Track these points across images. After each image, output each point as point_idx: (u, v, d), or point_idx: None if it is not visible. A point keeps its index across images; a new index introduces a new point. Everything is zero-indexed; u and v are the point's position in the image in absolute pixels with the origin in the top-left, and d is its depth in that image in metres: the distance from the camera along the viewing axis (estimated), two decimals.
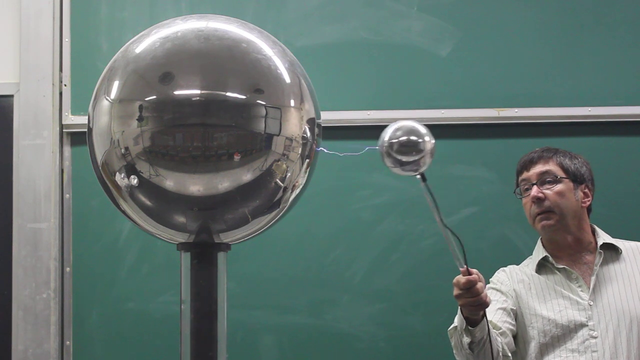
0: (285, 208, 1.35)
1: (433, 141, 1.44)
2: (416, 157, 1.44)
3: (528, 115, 3.00)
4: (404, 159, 1.43)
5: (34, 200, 2.99)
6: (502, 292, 2.35)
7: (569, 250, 2.37)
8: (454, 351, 2.22)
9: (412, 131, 1.44)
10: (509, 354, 2.26)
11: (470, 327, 2.08)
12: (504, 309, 2.31)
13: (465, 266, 1.87)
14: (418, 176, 1.52)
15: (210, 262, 1.34)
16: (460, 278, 1.94)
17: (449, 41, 3.04)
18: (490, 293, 2.30)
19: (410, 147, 1.43)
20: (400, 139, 1.42)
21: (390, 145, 1.42)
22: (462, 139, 3.00)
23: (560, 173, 2.35)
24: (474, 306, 1.99)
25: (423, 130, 1.44)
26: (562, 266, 2.34)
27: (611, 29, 3.04)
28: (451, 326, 2.20)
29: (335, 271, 2.98)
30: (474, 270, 1.94)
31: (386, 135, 1.43)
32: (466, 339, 2.10)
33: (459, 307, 2.08)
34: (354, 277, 2.98)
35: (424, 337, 2.93)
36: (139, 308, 2.98)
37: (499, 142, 3.00)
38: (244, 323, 2.95)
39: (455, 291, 1.97)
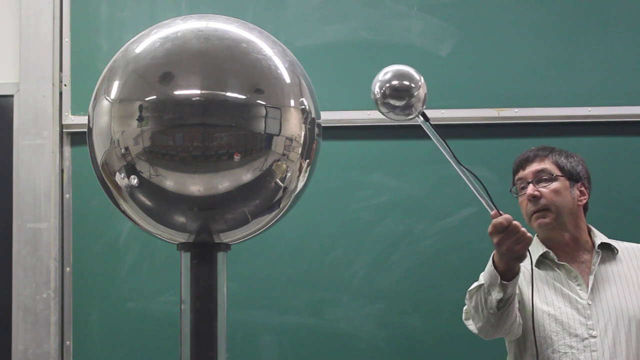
0: (285, 208, 1.35)
1: (423, 80, 1.43)
2: (409, 101, 1.42)
3: (528, 115, 3.00)
4: (397, 103, 1.42)
5: (34, 200, 2.99)
6: None
7: (567, 249, 2.37)
8: (470, 313, 2.19)
9: (404, 75, 1.43)
10: (521, 323, 2.26)
11: (504, 282, 2.04)
12: None
13: (495, 209, 1.82)
14: (420, 118, 1.50)
15: (210, 262, 1.34)
16: (496, 220, 1.89)
17: (449, 41, 3.05)
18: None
19: (403, 90, 1.42)
20: (392, 82, 1.41)
21: (383, 92, 1.41)
22: (462, 139, 3.00)
23: (556, 171, 2.36)
24: (519, 244, 1.94)
25: (413, 72, 1.44)
26: (562, 263, 2.35)
27: (611, 29, 3.04)
28: (472, 286, 2.18)
29: (335, 271, 2.98)
30: (502, 213, 1.89)
31: (376, 82, 1.42)
32: (496, 296, 2.07)
33: (491, 263, 2.06)
34: (354, 277, 2.98)
35: (424, 337, 2.93)
36: (139, 308, 2.99)
37: (499, 142, 3.00)
38: (244, 323, 2.95)
39: (496, 238, 1.93)
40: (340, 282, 2.98)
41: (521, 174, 2.39)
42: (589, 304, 2.29)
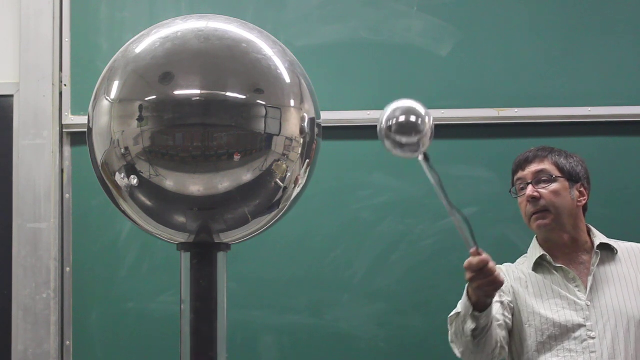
0: (285, 208, 1.35)
1: (432, 119, 1.42)
2: (416, 138, 1.42)
3: (528, 115, 3.00)
4: (404, 140, 1.41)
5: (34, 200, 2.99)
6: None
7: (566, 250, 2.37)
8: (452, 338, 2.20)
9: (411, 111, 1.42)
10: (505, 346, 2.26)
11: (476, 313, 2.05)
12: (502, 303, 2.30)
13: (475, 247, 1.82)
14: (420, 157, 1.49)
15: (210, 262, 1.34)
16: (472, 259, 1.89)
17: (449, 41, 3.04)
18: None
19: (410, 127, 1.41)
20: (399, 119, 1.40)
21: (389, 127, 1.40)
22: (462, 139, 3.00)
23: (555, 172, 2.35)
24: (489, 286, 1.94)
25: (422, 109, 1.42)
26: (559, 265, 2.35)
27: (611, 29, 3.04)
28: (452, 313, 2.19)
29: (335, 271, 2.98)
30: (482, 251, 1.88)
31: (384, 117, 1.41)
32: (470, 326, 2.08)
33: (465, 293, 2.06)
34: (354, 277, 2.98)
35: (424, 337, 2.93)
36: (139, 308, 2.98)
37: (499, 142, 3.00)
38: (244, 323, 2.95)
39: (468, 274, 1.92)
40: (340, 282, 2.98)
41: (520, 174, 2.39)
42: (588, 305, 2.29)
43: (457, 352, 2.23)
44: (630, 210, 2.95)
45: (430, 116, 1.43)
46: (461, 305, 2.12)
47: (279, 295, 2.97)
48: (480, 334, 2.10)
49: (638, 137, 3.00)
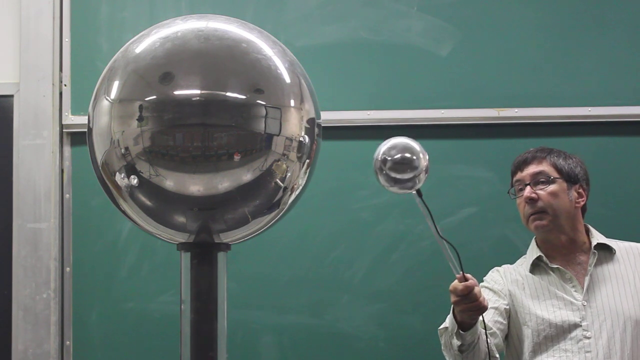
0: (285, 208, 1.35)
1: (427, 157, 1.44)
2: (411, 175, 1.44)
3: (528, 115, 3.00)
4: (399, 177, 1.43)
5: (34, 200, 2.99)
6: (495, 292, 2.35)
7: (563, 251, 2.37)
8: (443, 348, 2.22)
9: (406, 148, 1.44)
10: (497, 355, 2.26)
11: (461, 332, 2.08)
12: (496, 308, 2.31)
13: (461, 272, 1.87)
14: (414, 192, 1.52)
15: (210, 262, 1.34)
16: (457, 285, 1.94)
17: (449, 41, 3.05)
18: (483, 292, 2.31)
19: (405, 164, 1.43)
20: (395, 157, 1.42)
21: (384, 161, 1.42)
22: (462, 139, 3.00)
23: (553, 173, 2.35)
24: (473, 311, 1.99)
25: (417, 147, 1.44)
26: (555, 266, 2.35)
27: (611, 29, 3.04)
28: (442, 326, 2.21)
29: (335, 271, 2.98)
30: (469, 276, 1.94)
31: (379, 154, 1.43)
32: (456, 342, 2.11)
33: (452, 309, 2.09)
34: (354, 277, 2.98)
35: (424, 337, 2.93)
36: (139, 308, 2.98)
37: (499, 142, 3.00)
38: (244, 323, 2.95)
39: (453, 298, 1.98)
40: (340, 282, 2.98)
41: (519, 175, 2.39)
42: (584, 305, 2.29)
43: None
44: (630, 210, 2.95)
45: (426, 153, 1.45)
46: (448, 321, 2.15)
47: (279, 295, 2.97)
48: (467, 349, 2.13)
49: (638, 137, 3.00)
